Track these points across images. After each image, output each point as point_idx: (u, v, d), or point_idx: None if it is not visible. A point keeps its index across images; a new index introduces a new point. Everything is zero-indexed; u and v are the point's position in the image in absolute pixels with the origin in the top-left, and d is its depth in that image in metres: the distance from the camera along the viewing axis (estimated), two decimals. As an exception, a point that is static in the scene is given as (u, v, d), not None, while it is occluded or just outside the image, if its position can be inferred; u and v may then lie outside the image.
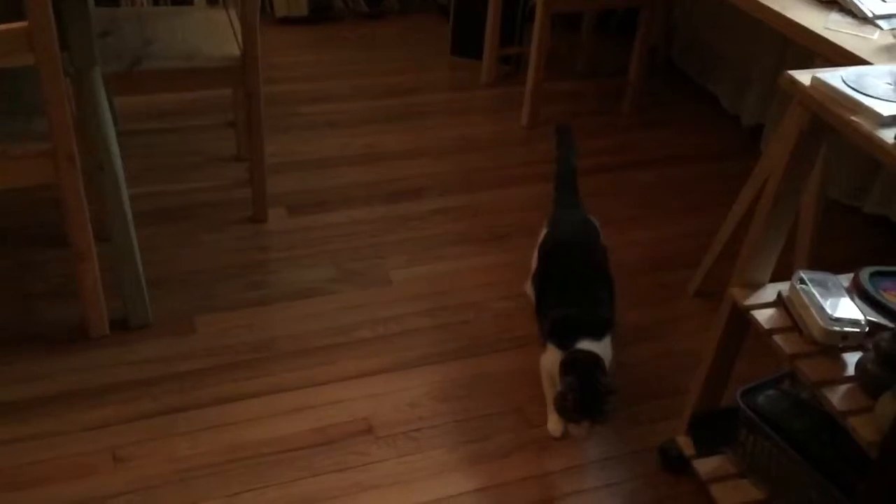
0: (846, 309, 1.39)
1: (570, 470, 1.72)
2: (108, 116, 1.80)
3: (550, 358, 1.77)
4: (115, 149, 1.82)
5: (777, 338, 1.42)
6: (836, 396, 1.31)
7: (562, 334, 1.75)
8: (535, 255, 1.97)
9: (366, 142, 2.78)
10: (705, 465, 1.64)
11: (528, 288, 2.00)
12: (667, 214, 2.55)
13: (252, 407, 1.82)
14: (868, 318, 1.39)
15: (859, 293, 1.46)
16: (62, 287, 2.08)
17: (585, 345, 1.70)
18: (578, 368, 1.66)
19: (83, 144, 1.77)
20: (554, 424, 1.80)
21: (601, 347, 1.72)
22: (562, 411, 1.68)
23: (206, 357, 1.93)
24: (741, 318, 1.52)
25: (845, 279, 1.49)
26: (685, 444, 1.69)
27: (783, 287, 1.49)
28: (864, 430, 1.25)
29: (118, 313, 1.98)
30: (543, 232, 1.99)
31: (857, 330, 1.36)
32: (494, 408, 1.85)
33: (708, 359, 1.63)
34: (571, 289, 1.81)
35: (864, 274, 1.49)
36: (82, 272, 1.88)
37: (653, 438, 1.77)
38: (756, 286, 1.52)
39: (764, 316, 1.46)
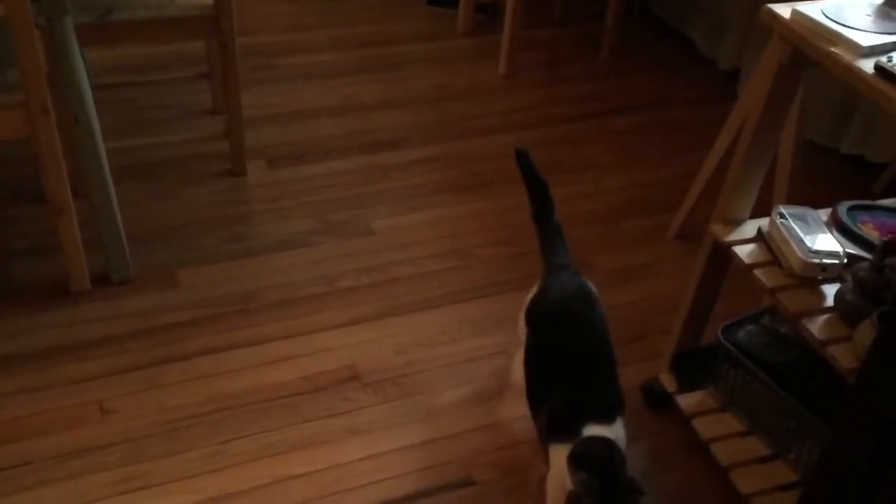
0: (825, 242, 1.41)
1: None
2: (81, 67, 1.76)
3: (557, 461, 1.39)
4: (89, 100, 1.79)
5: (757, 272, 1.44)
6: (816, 327, 1.34)
7: (564, 424, 1.41)
8: (522, 326, 1.62)
9: (343, 93, 2.75)
10: (687, 401, 1.68)
11: (515, 369, 1.62)
12: (645, 160, 2.56)
13: (238, 357, 1.82)
14: (846, 250, 1.41)
15: (837, 226, 1.48)
16: (41, 243, 2.06)
17: (595, 430, 1.37)
18: (592, 462, 1.33)
19: (57, 97, 1.74)
20: None
21: (614, 432, 1.39)
22: None
23: (190, 310, 1.93)
24: (722, 254, 1.54)
25: (824, 213, 1.52)
26: (668, 381, 1.72)
27: (763, 223, 1.51)
28: (844, 358, 1.28)
29: (99, 268, 1.96)
30: (529, 299, 1.63)
31: (836, 262, 1.39)
32: (479, 352, 1.87)
33: (689, 297, 1.66)
34: (570, 371, 1.48)
35: (842, 207, 1.51)
36: (61, 227, 1.86)
37: (636, 378, 1.80)
38: (736, 223, 1.54)
39: (744, 251, 1.48)
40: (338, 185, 2.35)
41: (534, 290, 1.63)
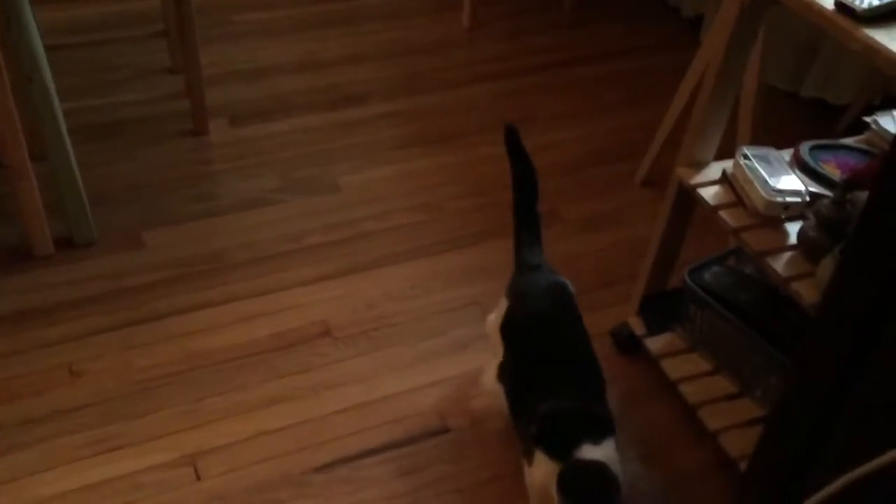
0: (788, 181, 1.43)
1: (528, 357, 1.77)
2: (32, 25, 1.71)
3: (542, 469, 1.33)
4: (43, 60, 1.74)
5: (722, 213, 1.46)
6: (780, 264, 1.36)
7: (555, 438, 1.32)
8: (496, 335, 1.52)
9: (305, 48, 2.71)
10: (656, 343, 1.70)
11: (490, 380, 1.51)
12: (611, 108, 2.56)
13: (208, 316, 1.81)
14: (809, 188, 1.43)
15: (800, 165, 1.50)
16: (1, 208, 2.02)
17: (588, 452, 1.29)
18: (586, 489, 1.26)
19: (10, 58, 1.69)
20: None
21: (607, 453, 1.31)
22: None
23: (156, 271, 1.91)
24: (687, 197, 1.56)
25: (786, 154, 1.53)
26: (636, 325, 1.75)
27: (727, 165, 1.52)
28: (807, 293, 1.30)
29: (63, 232, 1.93)
30: (504, 305, 1.52)
31: (799, 200, 1.41)
32: (451, 303, 1.88)
33: (656, 241, 1.67)
34: (555, 378, 1.40)
35: (804, 147, 1.53)
36: (20, 191, 1.82)
37: (605, 323, 1.82)
38: (701, 165, 1.55)
39: (709, 193, 1.50)
40: (302, 142, 2.32)
41: (503, 304, 1.51)
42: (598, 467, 1.27)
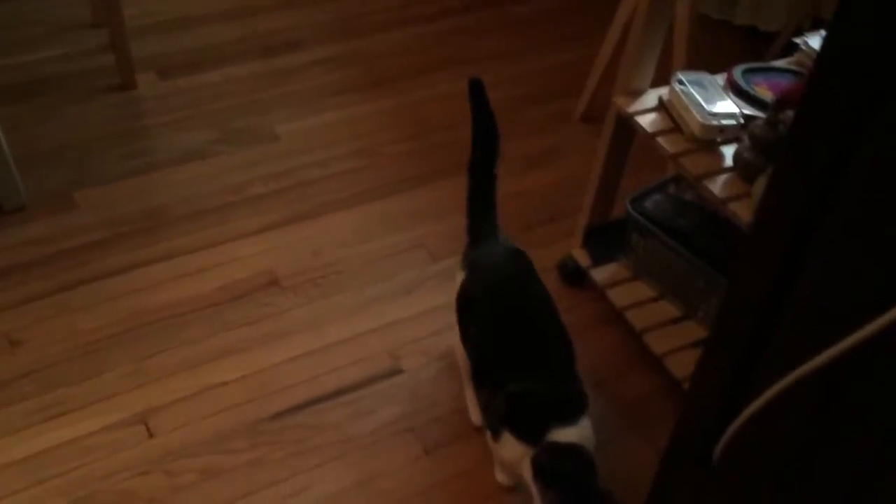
0: (722, 105, 1.45)
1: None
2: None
3: (510, 451, 1.28)
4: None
5: (660, 139, 1.47)
6: (717, 186, 1.38)
7: (526, 420, 1.26)
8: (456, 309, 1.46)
9: (232, -4, 2.63)
10: (601, 273, 1.73)
11: (458, 349, 1.47)
12: (546, 45, 2.55)
13: (150, 274, 1.77)
14: (743, 111, 1.45)
15: (733, 89, 1.52)
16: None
17: (561, 434, 1.23)
18: (563, 475, 1.20)
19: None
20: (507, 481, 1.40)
21: (580, 433, 1.25)
22: None
23: (92, 231, 1.85)
24: (625, 126, 1.57)
25: (720, 78, 1.55)
26: (581, 257, 1.77)
27: (663, 91, 1.53)
28: (744, 213, 1.33)
29: (-11, 197, 1.86)
30: (461, 278, 1.44)
31: (733, 122, 1.43)
32: (397, 247, 1.87)
33: (597, 172, 1.68)
34: (521, 352, 1.32)
35: (737, 71, 1.55)
36: (-60, 155, 1.74)
37: (551, 258, 1.84)
38: (637, 93, 1.56)
39: (646, 120, 1.51)
40: (236, 92, 2.26)
41: (460, 276, 1.44)
42: (573, 450, 1.20)
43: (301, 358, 1.63)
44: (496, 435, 1.31)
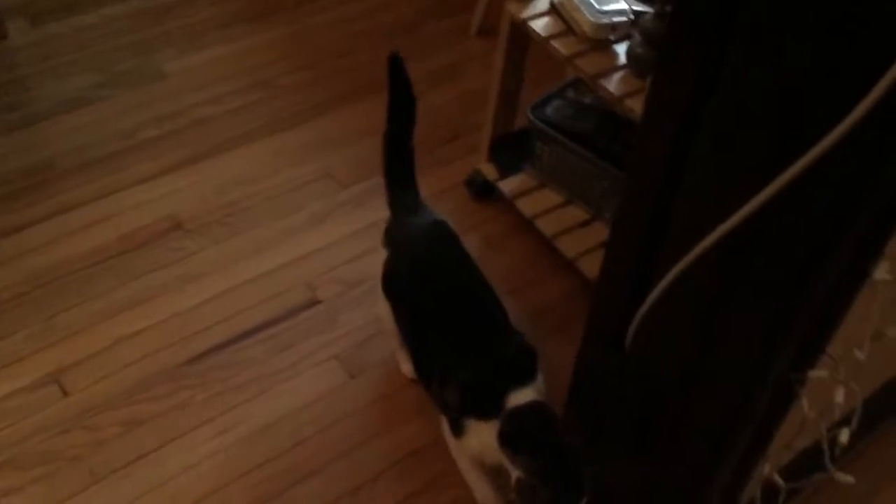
0: (612, 2, 1.45)
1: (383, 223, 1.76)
2: None
3: (478, 438, 1.20)
4: None
5: (554, 43, 1.47)
6: (613, 84, 1.40)
7: (482, 398, 1.20)
8: (382, 299, 1.38)
9: (99, -69, 2.47)
10: (509, 185, 1.74)
11: (385, 317, 1.39)
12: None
13: (45, 231, 1.69)
14: (632, 6, 1.46)
15: (621, -14, 1.52)
16: None
17: (519, 396, 1.17)
18: (531, 440, 1.13)
19: None
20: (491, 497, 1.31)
21: (538, 388, 1.21)
22: None
23: (-23, 192, 1.76)
24: (520, 32, 1.55)
25: (608, -24, 1.55)
26: (488, 171, 1.77)
27: (554, -5, 1.53)
28: (640, 108, 1.34)
29: None
30: (385, 256, 1.37)
31: (624, 18, 1.43)
32: (302, 179, 1.84)
33: (496, 83, 1.67)
34: (458, 329, 1.26)
35: (624, -32, 1.55)
36: None
37: (458, 175, 1.84)
38: (529, -1, 1.55)
39: (540, 25, 1.50)
40: (117, 33, 2.15)
41: (384, 254, 1.38)
42: (533, 410, 1.15)
43: (215, 299, 1.60)
44: (459, 431, 1.22)
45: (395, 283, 1.35)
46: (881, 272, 0.79)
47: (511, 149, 1.77)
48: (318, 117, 1.98)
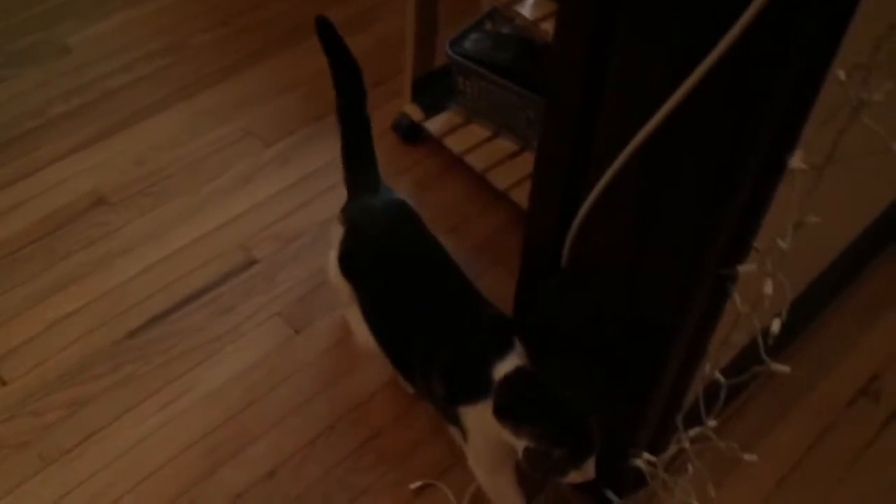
0: (517, -74, 1.43)
1: (317, 172, 1.74)
2: None
3: (483, 424, 1.11)
4: None
5: (464, -27, 1.45)
6: (527, 9, 1.38)
7: (468, 381, 1.12)
8: (339, 282, 1.29)
9: None
10: (435, 124, 1.72)
11: (358, 331, 1.33)
12: None
13: (-39, 220, 1.63)
14: (538, -71, 1.44)
15: None
16: None
17: (505, 366, 1.09)
18: (534, 403, 1.06)
19: None
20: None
21: (517, 352, 1.12)
22: (550, 475, 1.10)
23: None
24: (428, -33, 1.53)
25: None
26: (413, 112, 1.75)
27: (458, -76, 1.50)
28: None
29: None
30: (339, 233, 1.28)
31: (531, -58, 1.41)
32: (224, 140, 1.79)
33: (411, 22, 1.65)
34: (432, 315, 1.17)
35: None
36: None
37: (384, 121, 1.81)
38: (434, -70, 1.52)
39: (447, -44, 1.47)
40: (11, 8, 2.05)
41: (339, 231, 1.27)
42: (523, 374, 1.09)
43: (148, 270, 1.56)
44: (460, 424, 1.15)
45: (354, 267, 1.26)
46: (796, 161, 0.81)
47: (434, 88, 1.75)
48: (234, 75, 1.93)
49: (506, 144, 1.67)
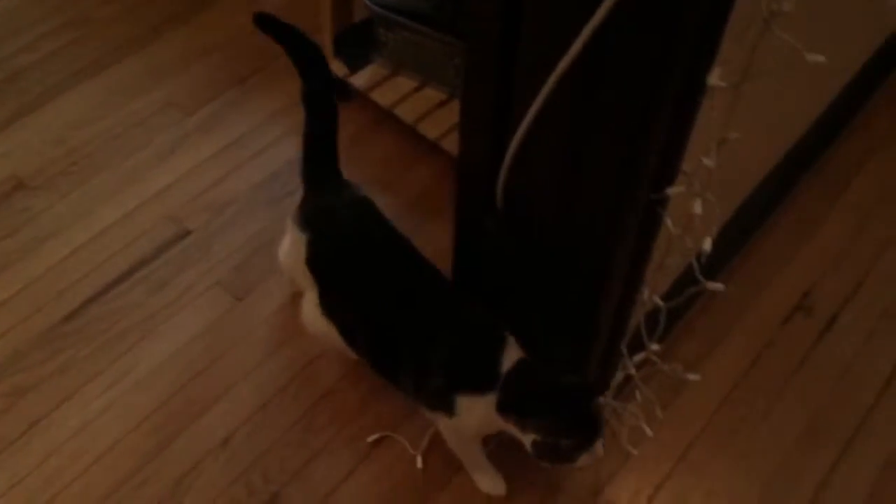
0: None
1: (243, 138, 1.70)
2: None
3: (473, 413, 1.10)
4: None
5: (374, -80, 1.41)
6: (441, -47, 1.36)
7: (471, 372, 1.10)
8: (299, 270, 1.22)
9: None
10: (361, 79, 1.69)
11: (313, 318, 1.24)
12: None
13: None
14: None
15: None
16: None
17: (509, 358, 1.08)
18: (541, 398, 1.05)
19: None
20: (493, 483, 1.24)
21: (514, 343, 1.11)
22: (560, 463, 1.09)
23: None
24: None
25: None
26: (337, 68, 1.71)
27: None
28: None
29: None
30: (302, 237, 1.20)
31: None
32: (143, 112, 1.73)
33: (326, -25, 1.61)
34: (417, 311, 1.14)
35: None
36: None
37: (309, 80, 1.78)
38: None
39: None
40: None
41: (297, 236, 1.21)
42: (526, 367, 1.07)
43: (77, 252, 1.51)
44: (448, 409, 1.12)
45: (323, 267, 1.20)
46: (715, 79, 0.82)
47: (356, 42, 1.72)
48: (146, 45, 1.86)
49: (434, 94, 1.66)
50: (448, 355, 1.10)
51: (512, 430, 1.08)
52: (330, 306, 1.20)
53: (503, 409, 1.06)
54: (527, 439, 1.06)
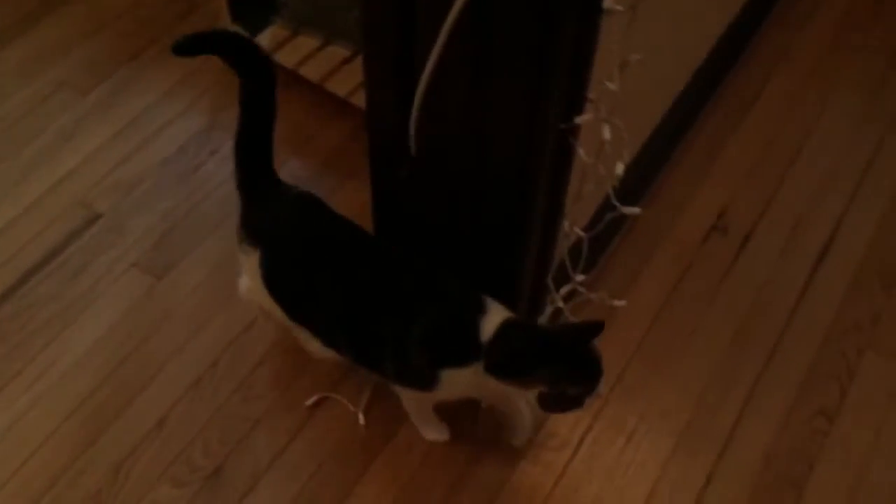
0: None
1: (144, 113, 1.64)
2: None
3: (453, 382, 1.08)
4: None
5: None
6: None
7: (455, 344, 1.07)
8: (262, 294, 1.17)
9: None
10: (263, 41, 1.64)
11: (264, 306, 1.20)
12: None
13: None
14: None
15: None
16: None
17: (490, 323, 1.04)
18: (540, 351, 1.03)
19: None
20: (438, 432, 1.27)
21: (495, 305, 1.07)
22: (571, 407, 1.05)
23: None
24: None
25: None
26: (236, 29, 1.67)
27: None
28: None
29: None
30: (253, 256, 1.14)
31: None
32: (37, 96, 1.65)
33: (212, -64, 1.55)
34: (389, 292, 1.10)
35: None
36: None
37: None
38: None
39: None
40: None
41: (251, 254, 1.14)
42: (514, 325, 1.05)
43: (-18, 251, 1.45)
44: (431, 385, 1.09)
45: (282, 278, 1.15)
46: (610, 2, 0.82)
47: (255, 4, 1.67)
48: (31, 28, 1.77)
49: (338, 51, 1.63)
50: (427, 332, 1.06)
51: (514, 391, 1.07)
52: (301, 315, 1.16)
53: (503, 373, 1.03)
54: (530, 394, 1.04)
